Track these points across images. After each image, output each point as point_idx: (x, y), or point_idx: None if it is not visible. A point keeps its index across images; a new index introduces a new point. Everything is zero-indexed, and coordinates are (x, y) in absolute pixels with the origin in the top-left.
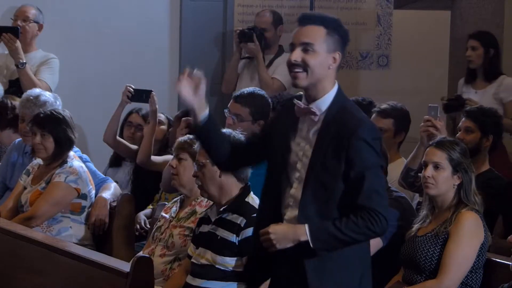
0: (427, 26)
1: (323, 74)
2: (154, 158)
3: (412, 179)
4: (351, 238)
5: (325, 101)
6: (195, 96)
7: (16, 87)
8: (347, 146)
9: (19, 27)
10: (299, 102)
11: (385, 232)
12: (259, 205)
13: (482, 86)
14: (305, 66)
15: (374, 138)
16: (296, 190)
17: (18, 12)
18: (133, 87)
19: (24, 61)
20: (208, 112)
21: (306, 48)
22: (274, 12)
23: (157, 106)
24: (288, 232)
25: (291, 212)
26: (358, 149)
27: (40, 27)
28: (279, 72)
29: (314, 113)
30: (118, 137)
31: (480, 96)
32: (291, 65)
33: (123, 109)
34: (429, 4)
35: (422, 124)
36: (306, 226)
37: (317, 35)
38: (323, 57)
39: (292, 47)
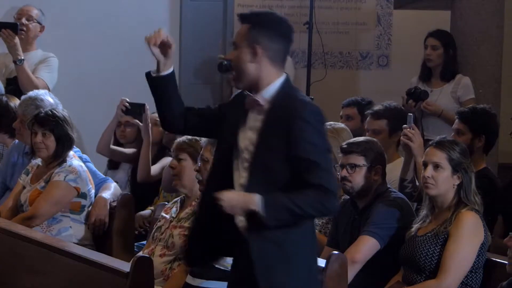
0: (427, 26)
1: (247, 68)
2: (153, 169)
3: (410, 190)
4: (302, 210)
5: (269, 90)
6: (164, 54)
7: (13, 85)
8: (291, 127)
9: (18, 23)
10: (249, 94)
11: (335, 210)
12: (203, 190)
13: (439, 85)
14: (230, 64)
15: (317, 119)
16: (245, 180)
17: (21, 10)
18: (128, 100)
19: (23, 58)
20: (172, 70)
21: (234, 47)
22: None
23: (149, 122)
24: (239, 200)
25: None
26: (301, 130)
27: (42, 29)
28: None
29: (259, 103)
30: (112, 146)
31: (436, 95)
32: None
33: (118, 122)
34: (429, 4)
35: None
36: (258, 195)
37: (241, 33)
38: (243, 51)
39: None
